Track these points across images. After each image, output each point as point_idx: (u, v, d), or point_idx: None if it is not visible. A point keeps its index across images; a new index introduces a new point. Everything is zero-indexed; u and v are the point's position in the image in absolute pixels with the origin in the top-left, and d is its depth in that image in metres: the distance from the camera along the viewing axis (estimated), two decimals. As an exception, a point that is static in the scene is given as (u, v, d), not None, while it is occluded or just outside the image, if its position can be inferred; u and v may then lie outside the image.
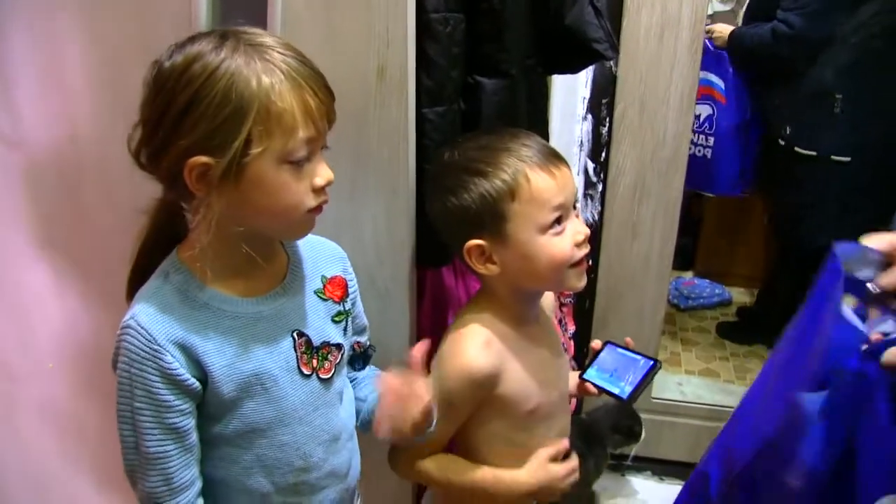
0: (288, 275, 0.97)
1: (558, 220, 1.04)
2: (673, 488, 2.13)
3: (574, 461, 1.20)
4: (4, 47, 1.16)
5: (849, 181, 2.19)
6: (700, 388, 2.52)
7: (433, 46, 1.17)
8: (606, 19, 1.40)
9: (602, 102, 1.93)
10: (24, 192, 1.25)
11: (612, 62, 1.86)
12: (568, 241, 1.05)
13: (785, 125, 2.31)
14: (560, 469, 1.17)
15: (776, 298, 2.70)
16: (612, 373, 1.21)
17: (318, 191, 0.89)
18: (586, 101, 1.94)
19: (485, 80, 1.28)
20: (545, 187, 1.03)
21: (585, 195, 2.02)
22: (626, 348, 1.22)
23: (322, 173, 0.88)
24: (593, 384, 1.22)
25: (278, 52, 0.83)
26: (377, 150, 1.18)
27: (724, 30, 2.45)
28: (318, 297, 1.00)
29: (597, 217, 2.04)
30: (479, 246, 1.06)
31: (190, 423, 0.89)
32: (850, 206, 2.16)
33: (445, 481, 1.15)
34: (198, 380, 0.88)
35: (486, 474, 1.14)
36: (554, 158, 1.06)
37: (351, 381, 1.12)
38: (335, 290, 1.02)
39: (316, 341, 0.97)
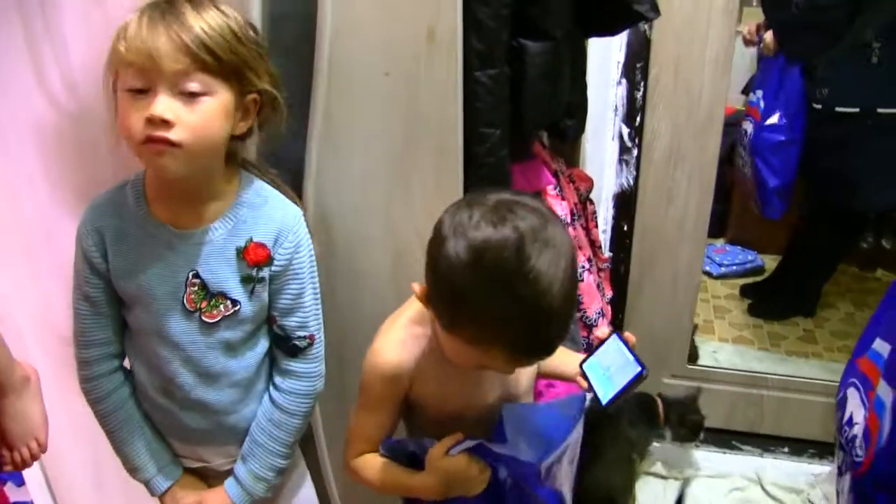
0: (217, 222, 1.05)
1: None
2: (709, 454, 2.16)
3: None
4: (62, 13, 1.17)
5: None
6: (734, 355, 2.52)
7: (483, 9, 1.17)
8: (647, -21, 1.40)
9: (636, 66, 1.93)
10: (76, 161, 1.27)
11: (646, 25, 1.85)
12: None
13: (819, 88, 2.27)
14: (460, 461, 1.02)
15: (800, 268, 2.70)
16: (606, 370, 1.08)
17: (148, 122, 0.93)
18: (621, 66, 1.93)
19: (529, 42, 1.28)
20: None
21: (620, 160, 2.02)
22: (628, 345, 1.07)
23: (153, 107, 0.93)
24: (586, 379, 1.08)
25: (170, 10, 0.94)
26: (427, 111, 1.19)
27: (768, 38, 2.39)
28: (237, 253, 1.05)
29: (632, 182, 2.04)
30: None
31: (100, 294, 1.08)
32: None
33: (367, 481, 1.09)
34: (107, 265, 1.06)
35: (398, 475, 1.06)
36: None
37: (282, 368, 1.15)
38: (254, 255, 1.06)
39: (213, 288, 1.05)
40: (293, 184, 1.18)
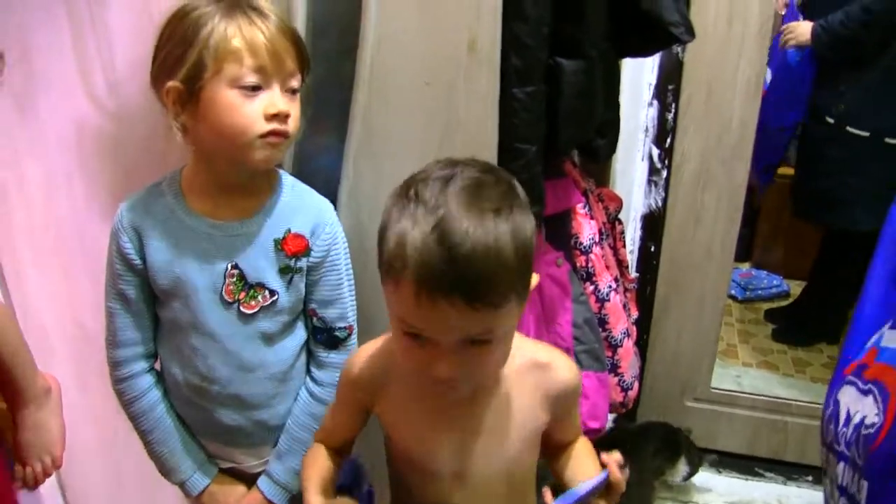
0: (255, 216, 1.07)
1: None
2: (731, 480, 2.13)
3: None
4: (108, 10, 1.19)
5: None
6: (758, 380, 2.50)
7: (523, 27, 1.18)
8: (683, 1, 1.40)
9: (668, 88, 1.93)
10: (113, 161, 1.29)
11: (679, 48, 1.86)
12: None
13: (838, 103, 2.24)
14: None
15: (824, 293, 2.68)
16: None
17: (270, 118, 0.99)
18: (652, 87, 1.94)
19: (564, 61, 1.28)
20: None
21: (649, 181, 2.02)
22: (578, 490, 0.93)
23: (276, 102, 0.99)
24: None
25: (255, 12, 0.98)
26: (464, 122, 1.20)
27: (800, 27, 2.38)
28: (275, 244, 1.07)
29: (660, 203, 2.03)
30: None
31: (134, 292, 1.09)
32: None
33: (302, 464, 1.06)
34: (143, 262, 1.07)
35: (307, 480, 0.99)
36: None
37: (320, 361, 1.16)
38: (292, 245, 1.08)
39: (251, 279, 1.07)
40: (325, 193, 1.18)
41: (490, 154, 1.21)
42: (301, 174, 1.17)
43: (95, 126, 1.26)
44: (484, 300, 0.75)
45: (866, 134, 2.19)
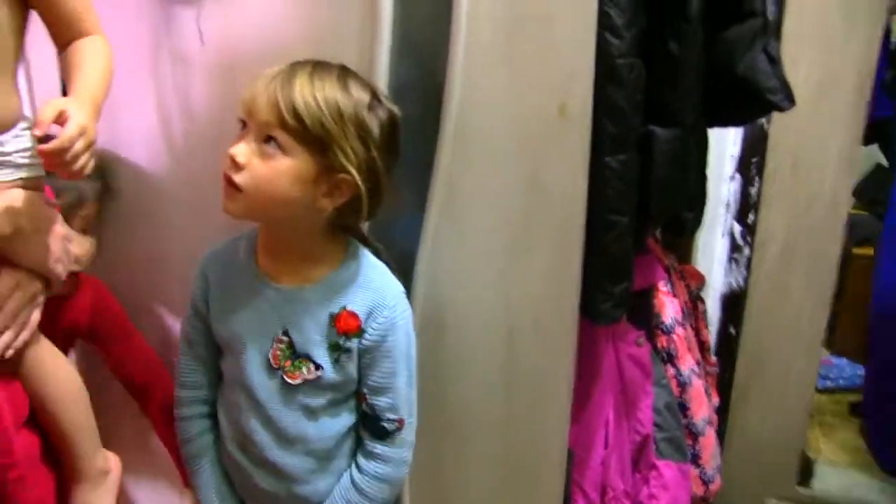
0: (315, 285, 1.04)
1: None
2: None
3: None
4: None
5: None
6: (844, 479, 2.31)
7: (618, 92, 1.14)
8: (782, 66, 1.33)
9: (752, 161, 1.85)
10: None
11: (764, 118, 1.79)
12: None
13: None
14: None
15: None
16: None
17: (229, 159, 0.96)
18: (735, 160, 1.87)
19: (658, 129, 1.24)
20: None
21: (730, 259, 1.93)
22: None
23: (234, 147, 0.96)
24: None
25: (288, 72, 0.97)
26: (552, 189, 1.15)
27: None
28: (329, 318, 1.03)
29: (742, 283, 1.94)
30: None
31: (199, 337, 1.10)
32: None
33: None
34: (207, 310, 1.08)
35: None
36: None
37: (367, 449, 1.10)
38: (344, 324, 1.04)
39: (299, 349, 1.04)
40: (402, 258, 1.13)
41: (578, 222, 1.16)
42: (377, 241, 1.11)
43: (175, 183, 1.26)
44: None
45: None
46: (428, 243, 1.15)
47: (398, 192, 1.06)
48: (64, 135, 0.78)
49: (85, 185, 1.19)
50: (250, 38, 1.15)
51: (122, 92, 1.29)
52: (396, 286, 1.07)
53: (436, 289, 1.16)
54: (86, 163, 0.83)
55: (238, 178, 0.95)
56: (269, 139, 0.95)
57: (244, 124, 0.97)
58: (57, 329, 1.16)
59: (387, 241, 1.12)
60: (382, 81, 1.10)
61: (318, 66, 0.98)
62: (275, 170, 0.95)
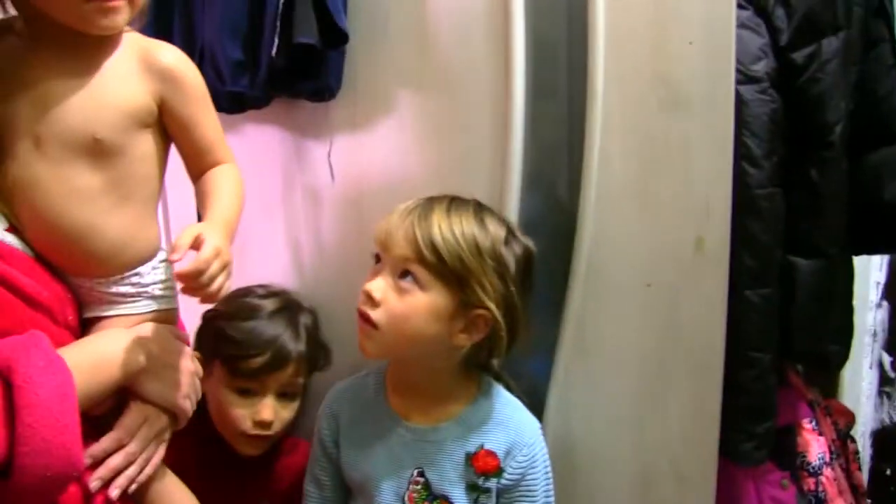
0: (449, 423, 1.02)
1: None
2: None
3: None
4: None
5: None
6: None
7: (757, 223, 1.11)
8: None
9: (900, 287, 1.74)
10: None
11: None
12: None
13: None
14: None
15: None
16: None
17: (364, 295, 0.96)
18: (881, 286, 1.76)
19: (800, 260, 1.18)
20: None
21: (880, 392, 1.79)
22: None
23: (371, 283, 0.96)
24: None
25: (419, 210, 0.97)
26: (688, 326, 1.11)
27: None
28: (466, 458, 1.00)
29: (895, 419, 1.79)
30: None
31: (328, 480, 1.08)
32: None
33: None
34: (337, 451, 1.06)
35: None
36: None
37: None
38: (482, 464, 1.00)
39: (436, 490, 1.01)
40: (530, 397, 1.10)
41: (717, 361, 1.11)
42: (507, 375, 1.09)
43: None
44: None
45: None
46: (559, 382, 1.13)
47: (531, 328, 1.05)
48: (200, 257, 0.78)
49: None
50: (378, 171, 1.19)
51: (253, 227, 1.35)
52: (534, 423, 1.04)
53: (567, 429, 1.12)
54: (221, 285, 0.82)
55: (374, 315, 0.95)
56: (405, 274, 0.94)
57: (378, 258, 0.98)
58: (249, 486, 1.19)
59: (516, 379, 1.09)
60: (513, 215, 1.10)
61: (454, 201, 0.98)
62: (411, 306, 0.94)
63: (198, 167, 0.93)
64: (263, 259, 1.32)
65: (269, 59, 1.11)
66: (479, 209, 0.99)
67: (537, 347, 1.12)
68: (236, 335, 1.11)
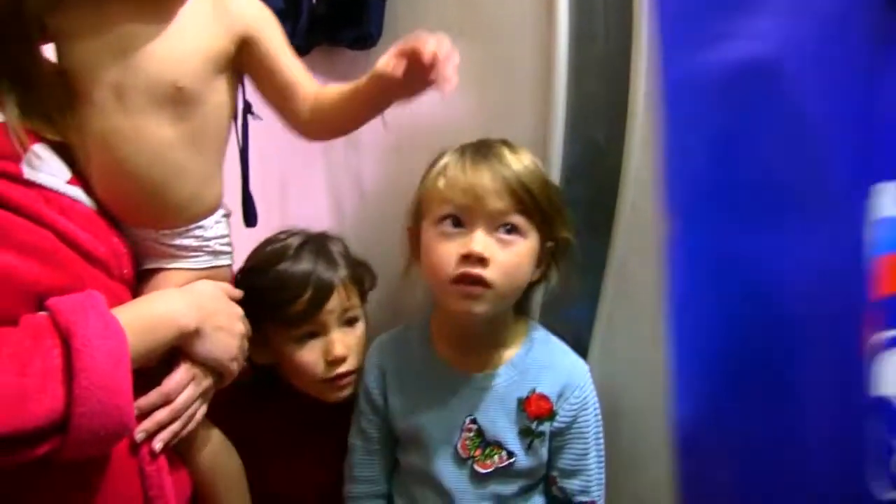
0: (500, 370, 1.02)
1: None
2: None
3: None
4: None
5: None
6: None
7: None
8: None
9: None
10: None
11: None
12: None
13: None
14: None
15: None
16: None
17: (464, 259, 0.92)
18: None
19: None
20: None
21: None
22: None
23: (471, 243, 0.91)
24: None
25: (486, 157, 0.95)
26: None
27: None
28: (518, 403, 1.01)
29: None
30: None
31: (375, 432, 1.08)
32: None
33: None
34: (385, 403, 1.06)
35: None
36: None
37: None
38: (535, 408, 1.01)
39: (489, 436, 1.01)
40: (576, 342, 1.10)
41: None
42: (549, 323, 1.09)
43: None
44: None
45: None
46: (602, 330, 1.12)
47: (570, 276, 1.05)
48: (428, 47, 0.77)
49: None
50: (419, 118, 1.15)
51: (294, 173, 1.36)
52: (583, 365, 1.05)
53: (610, 376, 1.12)
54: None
55: (488, 274, 0.92)
56: (503, 226, 0.93)
57: (456, 221, 0.94)
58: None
59: (560, 324, 1.10)
60: (556, 163, 1.09)
61: (506, 144, 0.98)
62: (519, 255, 0.94)
63: (293, 101, 0.91)
64: (304, 205, 1.34)
65: (310, 7, 1.10)
66: (513, 145, 0.99)
67: (580, 294, 1.13)
68: (271, 284, 1.04)
